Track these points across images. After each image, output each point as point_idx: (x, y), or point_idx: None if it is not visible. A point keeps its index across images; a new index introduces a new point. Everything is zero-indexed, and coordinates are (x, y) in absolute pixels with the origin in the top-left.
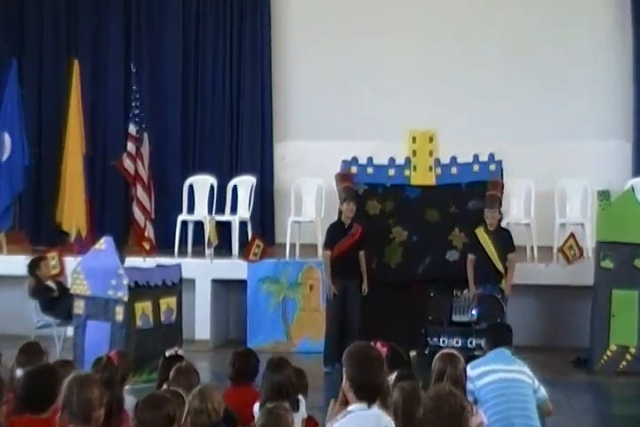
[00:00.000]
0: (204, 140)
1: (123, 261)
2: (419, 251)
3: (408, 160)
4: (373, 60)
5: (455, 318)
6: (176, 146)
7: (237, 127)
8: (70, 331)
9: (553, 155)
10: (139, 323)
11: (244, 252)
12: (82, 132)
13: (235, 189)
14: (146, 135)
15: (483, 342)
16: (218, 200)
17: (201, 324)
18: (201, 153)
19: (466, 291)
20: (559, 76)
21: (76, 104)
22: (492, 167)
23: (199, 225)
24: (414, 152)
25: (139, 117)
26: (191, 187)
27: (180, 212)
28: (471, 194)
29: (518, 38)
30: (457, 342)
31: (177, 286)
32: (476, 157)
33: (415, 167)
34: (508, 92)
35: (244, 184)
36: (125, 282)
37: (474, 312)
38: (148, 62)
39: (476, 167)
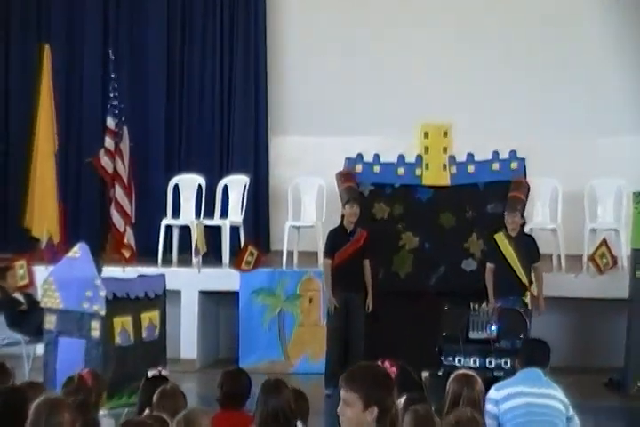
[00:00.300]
0: (191, 135)
1: (100, 270)
2: (431, 259)
3: (419, 158)
4: (379, 47)
5: (472, 334)
6: (159, 141)
7: (228, 120)
8: (40, 349)
9: (583, 151)
10: (117, 340)
11: (236, 260)
12: (54, 125)
13: (225, 189)
14: (125, 129)
15: (516, 361)
16: (206, 202)
17: (187, 341)
18: (187, 149)
19: (484, 304)
20: (589, 62)
21: (48, 95)
22: (515, 165)
23: (185, 230)
24: (426, 149)
25: (117, 109)
26: (176, 187)
27: (164, 215)
28: (490, 196)
29: (549, 23)
30: (474, 362)
31: (160, 299)
32: (495, 153)
33: (427, 165)
34: (532, 80)
35: (236, 184)
36: (103, 294)
37: (493, 328)
38: (129, 48)
39: (495, 165)
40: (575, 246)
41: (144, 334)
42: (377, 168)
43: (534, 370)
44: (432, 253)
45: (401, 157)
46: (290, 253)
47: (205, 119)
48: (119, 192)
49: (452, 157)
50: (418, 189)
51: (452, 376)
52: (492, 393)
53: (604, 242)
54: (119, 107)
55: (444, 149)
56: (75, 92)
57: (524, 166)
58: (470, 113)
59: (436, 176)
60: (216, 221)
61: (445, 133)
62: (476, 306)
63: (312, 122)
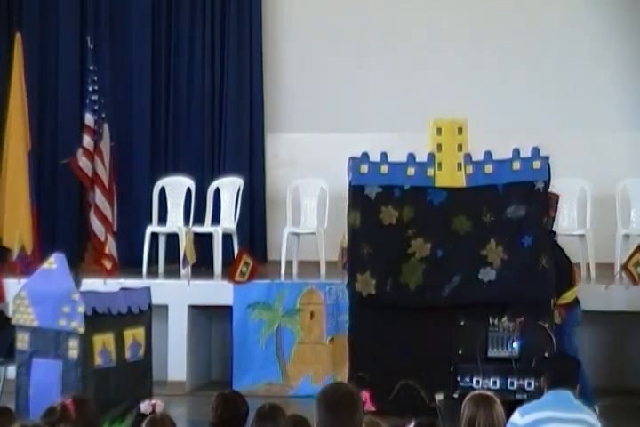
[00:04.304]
0: (179, 133)
1: (78, 283)
2: (444, 269)
3: (432, 156)
4: (386, 33)
5: (491, 352)
6: (144, 140)
7: (220, 117)
8: (12, 371)
9: (613, 149)
10: (98, 360)
11: (229, 271)
12: (26, 122)
13: (217, 192)
14: (106, 127)
15: (542, 381)
16: (196, 207)
17: (175, 361)
18: (175, 149)
19: (504, 319)
20: (619, 49)
21: (19, 88)
22: (537, 164)
23: (173, 238)
24: (439, 146)
25: (97, 105)
26: (163, 191)
27: (150, 222)
28: (510, 198)
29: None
30: (494, 383)
31: (145, 315)
32: (516, 151)
33: (440, 165)
34: (553, 70)
35: (229, 187)
36: (81, 310)
37: (515, 345)
38: (109, 36)
39: (516, 165)
40: (606, 254)
41: (127, 354)
42: (384, 168)
43: (564, 392)
44: (445, 262)
45: (411, 156)
46: (289, 263)
47: (195, 115)
48: (99, 197)
49: (469, 156)
50: (429, 192)
51: (468, 397)
52: (517, 418)
53: (639, 249)
54: (99, 102)
55: (460, 147)
56: (49, 85)
57: (549, 166)
58: (490, 110)
59: (450, 177)
60: (207, 228)
61: (460, 130)
62: (496, 321)
63: (311, 118)
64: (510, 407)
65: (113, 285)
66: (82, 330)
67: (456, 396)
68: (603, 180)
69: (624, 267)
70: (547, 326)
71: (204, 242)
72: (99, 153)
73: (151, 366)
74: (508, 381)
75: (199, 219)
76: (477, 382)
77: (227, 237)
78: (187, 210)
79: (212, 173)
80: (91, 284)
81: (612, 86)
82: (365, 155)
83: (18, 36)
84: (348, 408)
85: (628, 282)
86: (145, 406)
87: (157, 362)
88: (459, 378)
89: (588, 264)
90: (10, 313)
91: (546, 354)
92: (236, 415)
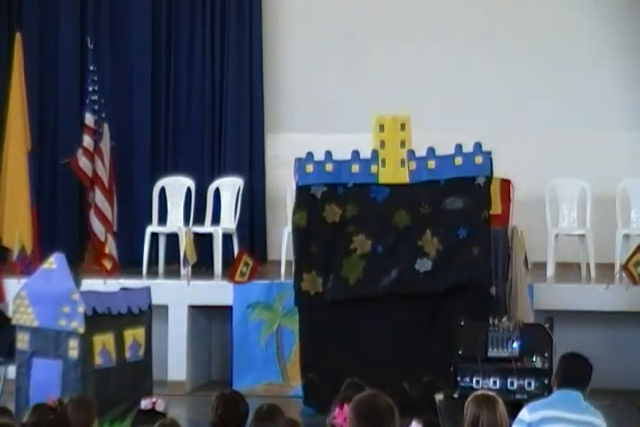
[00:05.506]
0: (179, 133)
1: (78, 283)
2: (384, 263)
3: (375, 153)
4: (386, 33)
5: (492, 352)
6: (144, 140)
7: (220, 116)
8: (12, 371)
9: (613, 149)
10: (98, 360)
11: (229, 271)
12: (26, 122)
13: (217, 192)
14: (106, 127)
15: (552, 379)
16: (196, 207)
17: (175, 361)
18: (175, 149)
19: (504, 319)
20: (618, 49)
21: (19, 88)
22: (479, 160)
23: (173, 238)
24: (382, 143)
25: (97, 105)
26: (163, 191)
27: (150, 222)
28: (449, 191)
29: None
30: (494, 383)
31: (145, 315)
32: (458, 147)
33: (384, 162)
34: (553, 70)
35: (229, 187)
36: (81, 310)
37: (515, 345)
38: (109, 36)
39: (458, 160)
40: (606, 254)
41: (127, 354)
42: (329, 167)
43: (573, 392)
44: (385, 257)
45: (355, 153)
46: (289, 263)
47: (195, 115)
48: (99, 197)
49: (412, 152)
50: (373, 189)
51: (470, 397)
52: (525, 415)
53: (639, 249)
54: (99, 102)
55: (402, 143)
56: (49, 85)
57: (490, 161)
58: (489, 110)
59: (393, 173)
60: (207, 228)
61: (403, 126)
62: (496, 321)
63: (311, 118)
64: (510, 407)
65: (113, 285)
66: (82, 330)
67: (456, 396)
68: (603, 180)
69: (624, 267)
70: (546, 325)
71: (203, 242)
72: (99, 153)
73: (151, 366)
74: (508, 381)
75: (199, 219)
76: (477, 382)
77: (227, 237)
78: (187, 210)
79: (212, 173)
80: (91, 284)
81: (612, 86)
82: (310, 154)
83: (18, 36)
84: (384, 422)
85: (628, 282)
86: (145, 403)
87: (157, 362)
88: (459, 378)
89: (588, 264)
90: (10, 313)
91: (545, 354)
92: (236, 415)
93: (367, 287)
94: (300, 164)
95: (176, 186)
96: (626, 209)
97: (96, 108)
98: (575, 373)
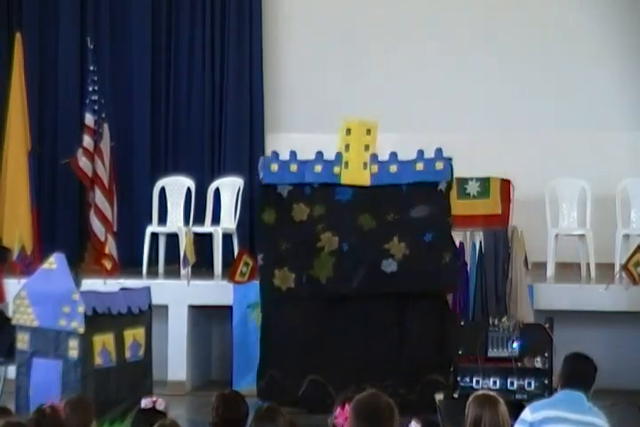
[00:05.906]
0: (179, 133)
1: (78, 283)
2: (350, 261)
3: (339, 155)
4: (386, 33)
5: (492, 352)
6: (144, 140)
7: (220, 116)
8: (12, 371)
9: (613, 149)
10: (98, 360)
11: (230, 271)
12: (26, 122)
13: (217, 192)
14: (106, 127)
15: (555, 379)
16: (196, 207)
17: (175, 361)
18: (175, 149)
19: (504, 319)
20: (618, 49)
21: (19, 88)
22: (440, 165)
23: (173, 238)
24: (347, 146)
25: (97, 105)
26: (163, 191)
27: (150, 222)
28: (413, 198)
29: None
30: (494, 383)
31: (145, 315)
32: (420, 152)
33: (347, 164)
34: (553, 70)
35: (229, 187)
36: (81, 310)
37: (515, 345)
38: (109, 36)
39: (419, 166)
40: (606, 254)
41: (127, 354)
42: (294, 167)
43: (576, 393)
44: (351, 255)
45: (319, 154)
46: None
47: (195, 115)
48: (99, 197)
49: (375, 156)
50: (337, 190)
51: (471, 398)
52: (527, 415)
53: (639, 249)
54: (99, 102)
55: (367, 147)
56: (49, 85)
57: (451, 166)
58: (489, 110)
59: (355, 175)
60: (207, 228)
61: (369, 131)
62: (496, 321)
63: (311, 118)
64: (510, 407)
65: (113, 285)
66: (82, 330)
67: (456, 396)
68: (603, 180)
69: (624, 267)
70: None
71: (203, 242)
72: (99, 153)
73: (151, 366)
74: (508, 381)
75: (199, 219)
76: (477, 382)
77: (227, 237)
78: (187, 210)
79: (212, 173)
80: (91, 284)
81: (612, 86)
82: (275, 153)
83: (18, 36)
84: (383, 422)
85: (628, 282)
86: (146, 402)
87: (157, 362)
88: (459, 378)
89: (588, 264)
90: (10, 313)
91: (545, 354)
92: (237, 415)
93: (339, 287)
94: (265, 162)
95: (176, 186)
96: (626, 209)
97: (96, 108)
98: (579, 373)
